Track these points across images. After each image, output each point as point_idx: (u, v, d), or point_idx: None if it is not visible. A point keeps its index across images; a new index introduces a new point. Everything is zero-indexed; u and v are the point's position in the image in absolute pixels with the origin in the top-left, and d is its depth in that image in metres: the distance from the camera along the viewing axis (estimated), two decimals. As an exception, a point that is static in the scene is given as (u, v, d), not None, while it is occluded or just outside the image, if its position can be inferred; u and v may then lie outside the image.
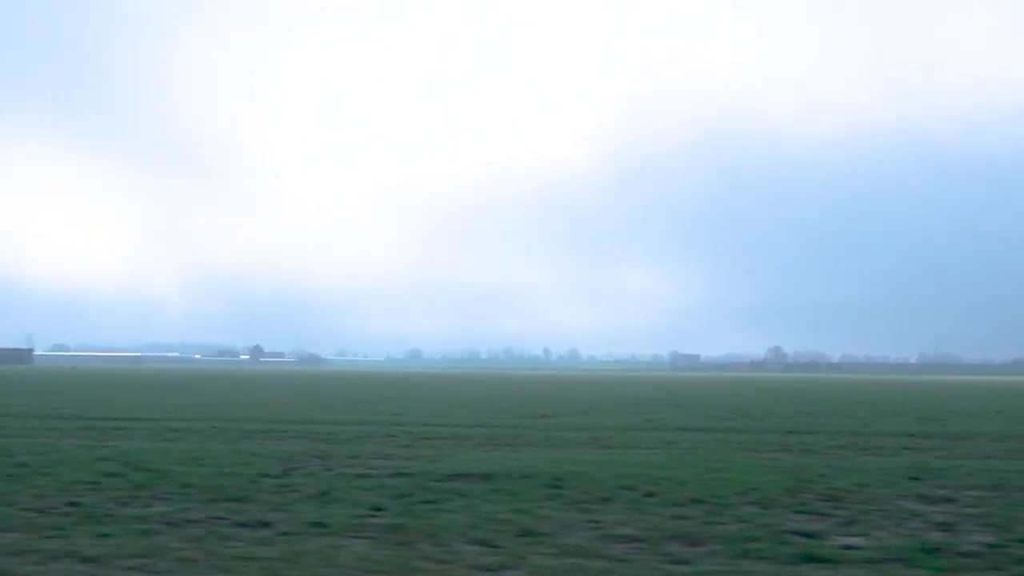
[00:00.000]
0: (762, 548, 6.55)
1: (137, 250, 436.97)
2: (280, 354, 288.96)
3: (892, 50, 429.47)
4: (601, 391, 41.94)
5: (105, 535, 6.94)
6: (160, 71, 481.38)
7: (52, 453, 12.26)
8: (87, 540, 6.77)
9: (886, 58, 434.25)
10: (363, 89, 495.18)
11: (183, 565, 6.08)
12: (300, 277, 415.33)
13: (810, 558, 6.31)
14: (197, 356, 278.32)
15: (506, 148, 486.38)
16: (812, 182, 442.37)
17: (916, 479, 10.43)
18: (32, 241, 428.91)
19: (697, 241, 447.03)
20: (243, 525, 7.40)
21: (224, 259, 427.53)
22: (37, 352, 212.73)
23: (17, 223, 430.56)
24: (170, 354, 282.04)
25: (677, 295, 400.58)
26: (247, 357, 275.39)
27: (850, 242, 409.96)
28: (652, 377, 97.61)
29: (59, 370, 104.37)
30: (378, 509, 8.19)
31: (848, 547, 6.69)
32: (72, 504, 8.27)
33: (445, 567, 6.04)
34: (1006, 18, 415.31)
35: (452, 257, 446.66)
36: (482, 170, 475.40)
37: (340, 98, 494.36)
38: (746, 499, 8.74)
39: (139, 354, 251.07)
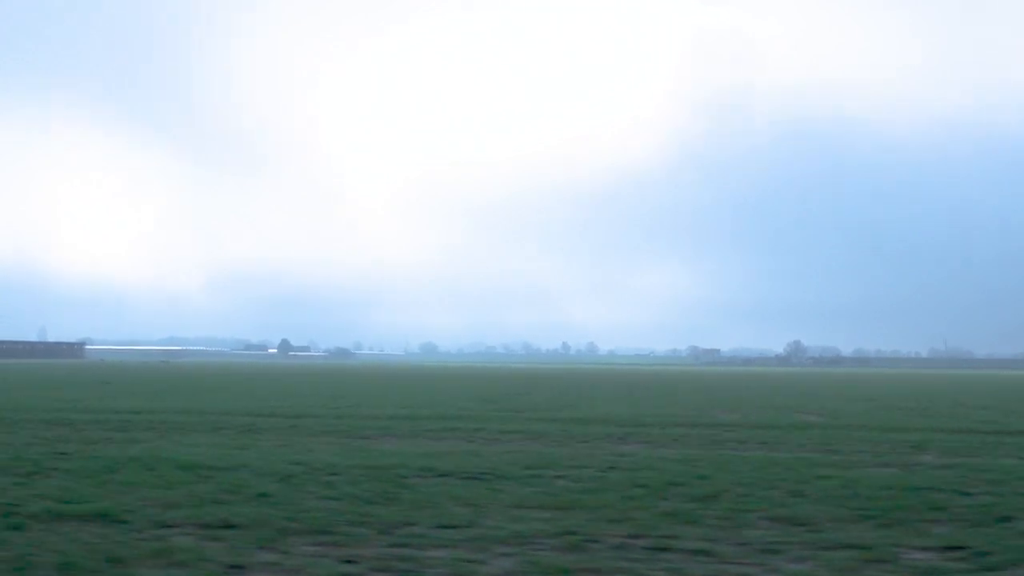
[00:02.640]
0: None
1: (152, 243, 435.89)
2: (306, 348, 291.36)
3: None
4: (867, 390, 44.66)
5: None
6: (206, 65, 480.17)
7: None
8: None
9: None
10: (389, 86, 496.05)
11: None
12: (315, 271, 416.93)
13: None
14: (228, 351, 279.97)
15: (524, 144, 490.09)
16: (828, 180, 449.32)
17: None
18: (54, 232, 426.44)
19: (707, 239, 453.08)
20: None
21: (242, 255, 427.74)
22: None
23: (39, 211, 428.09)
24: (195, 348, 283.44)
25: (688, 291, 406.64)
26: (274, 351, 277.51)
27: (860, 239, 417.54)
28: (760, 373, 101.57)
29: (135, 365, 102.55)
30: None
31: None
32: None
33: None
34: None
35: (467, 251, 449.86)
36: (501, 165, 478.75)
37: (367, 96, 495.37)
38: None
39: (180, 348, 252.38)
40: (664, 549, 6.58)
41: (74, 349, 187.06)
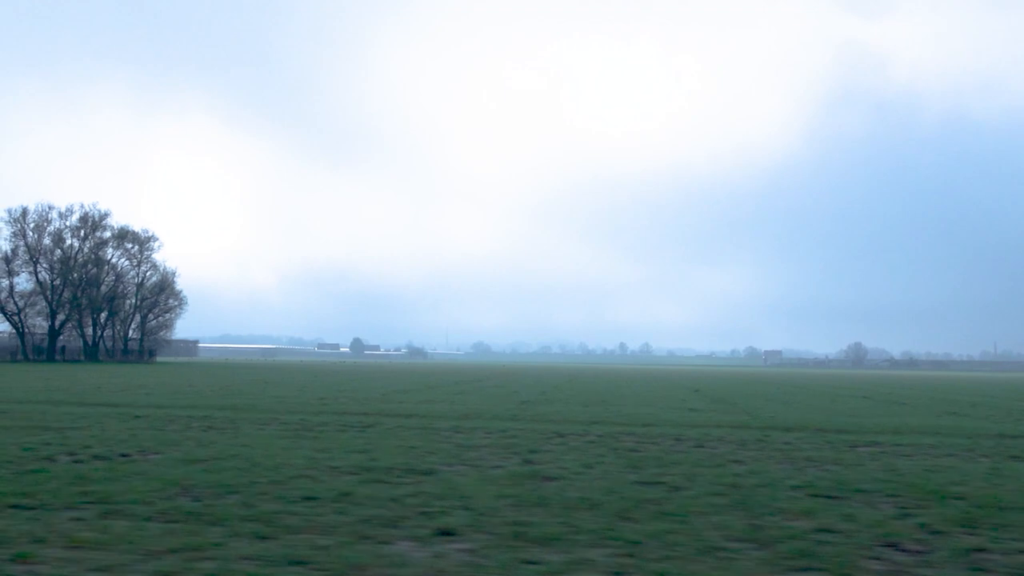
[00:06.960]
0: None
1: (221, 242, 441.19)
2: (375, 347, 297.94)
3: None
4: None
5: None
6: (310, 73, 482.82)
7: None
8: None
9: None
10: (471, 94, 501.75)
11: None
12: (374, 272, 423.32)
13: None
14: (299, 348, 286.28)
15: (584, 141, 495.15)
16: (878, 184, 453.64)
17: None
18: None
19: (761, 242, 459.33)
20: None
21: (304, 255, 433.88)
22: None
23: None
24: (266, 346, 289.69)
25: (738, 293, 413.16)
26: (347, 350, 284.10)
27: (908, 243, 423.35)
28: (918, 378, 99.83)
29: (268, 363, 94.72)
30: None
31: None
32: None
33: None
34: None
35: (519, 253, 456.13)
36: (560, 164, 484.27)
37: (447, 105, 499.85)
38: None
39: (274, 346, 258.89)
40: None
41: (190, 346, 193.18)
